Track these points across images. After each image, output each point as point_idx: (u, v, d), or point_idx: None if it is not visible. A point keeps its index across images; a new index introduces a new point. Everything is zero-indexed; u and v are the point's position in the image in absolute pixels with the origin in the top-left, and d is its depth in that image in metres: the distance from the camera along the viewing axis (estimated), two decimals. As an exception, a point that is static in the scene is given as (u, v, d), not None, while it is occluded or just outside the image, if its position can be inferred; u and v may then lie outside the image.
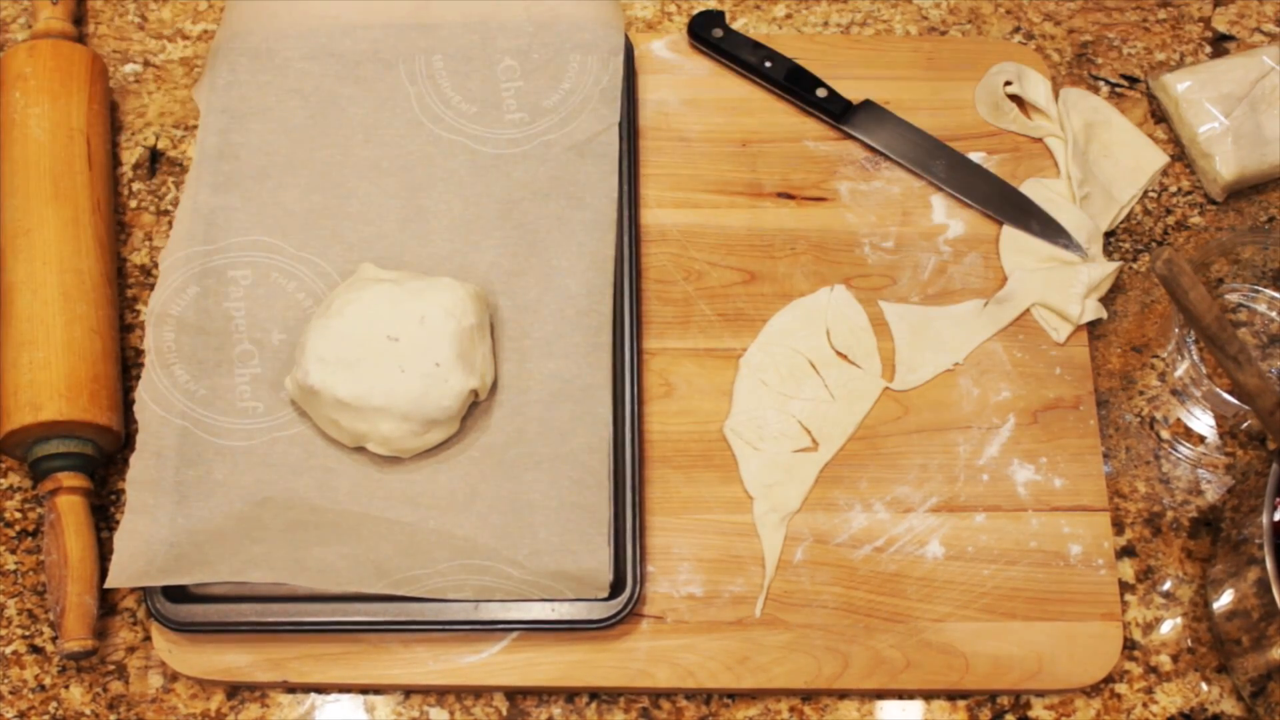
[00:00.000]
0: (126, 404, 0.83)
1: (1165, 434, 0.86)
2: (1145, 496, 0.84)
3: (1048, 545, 0.81)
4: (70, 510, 0.78)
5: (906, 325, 0.85)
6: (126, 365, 0.85)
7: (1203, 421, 0.86)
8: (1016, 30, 0.97)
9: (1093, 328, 0.87)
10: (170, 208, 0.90)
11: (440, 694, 0.78)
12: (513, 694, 0.78)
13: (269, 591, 0.77)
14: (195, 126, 0.92)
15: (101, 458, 0.81)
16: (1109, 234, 0.90)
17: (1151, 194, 0.92)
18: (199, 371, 0.82)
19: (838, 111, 0.92)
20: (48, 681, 0.79)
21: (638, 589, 0.78)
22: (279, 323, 0.84)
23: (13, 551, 0.81)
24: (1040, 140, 0.92)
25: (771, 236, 0.89)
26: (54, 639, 0.79)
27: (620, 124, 0.89)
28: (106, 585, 0.76)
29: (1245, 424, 0.85)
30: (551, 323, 0.84)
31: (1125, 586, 0.81)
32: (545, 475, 0.80)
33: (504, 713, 0.78)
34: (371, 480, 0.80)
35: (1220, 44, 0.97)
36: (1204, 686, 0.79)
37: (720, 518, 0.81)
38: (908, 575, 0.80)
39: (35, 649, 0.79)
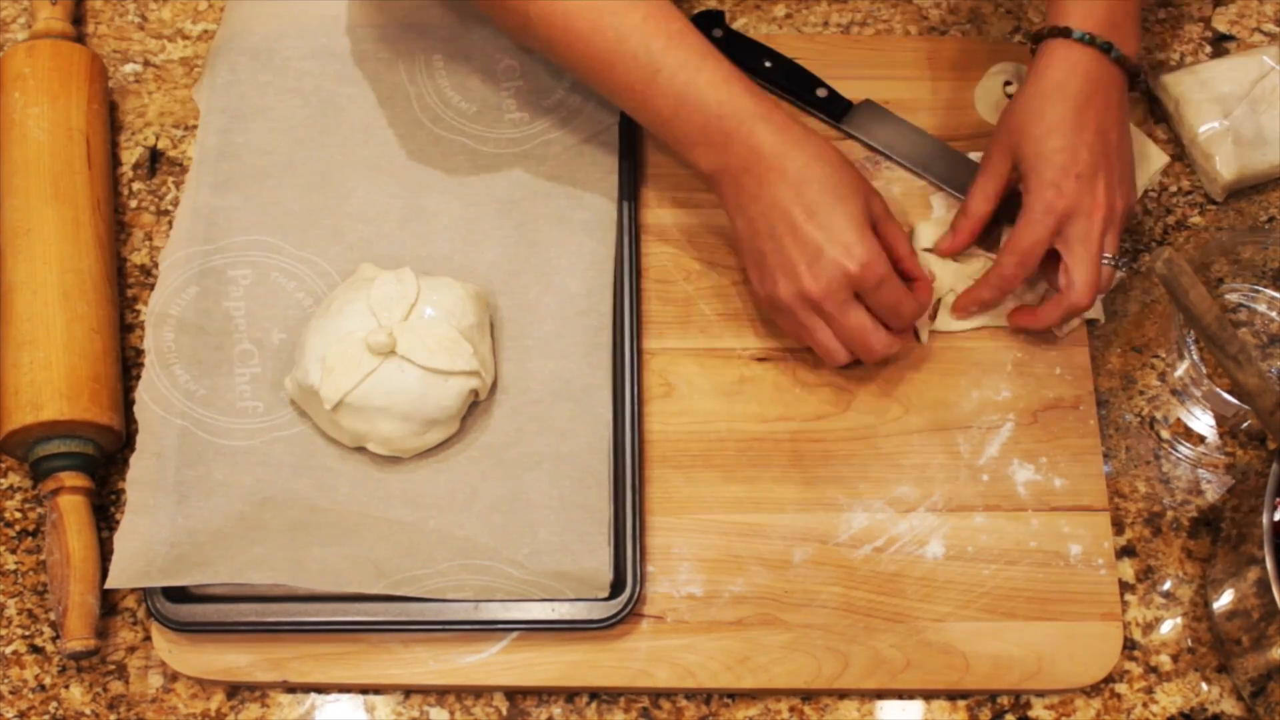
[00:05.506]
0: (127, 403, 0.83)
1: (1165, 434, 0.86)
2: (1145, 496, 0.84)
3: (1048, 545, 0.81)
4: (72, 510, 0.78)
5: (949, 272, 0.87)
6: (127, 365, 0.85)
7: (1203, 421, 0.86)
8: (1016, 30, 0.97)
9: (1092, 327, 0.87)
10: (170, 208, 0.90)
11: (440, 694, 0.78)
12: (513, 694, 0.78)
13: (269, 591, 0.77)
14: (195, 126, 0.92)
15: (102, 457, 0.81)
16: (1109, 234, 0.90)
17: (1151, 194, 0.92)
18: (199, 371, 0.82)
19: (838, 111, 0.92)
20: (48, 681, 0.79)
21: (638, 589, 0.78)
22: (279, 323, 0.84)
23: (13, 551, 0.81)
24: (1040, 140, 0.92)
25: (771, 236, 0.89)
26: (55, 639, 0.79)
27: (620, 124, 0.89)
28: (107, 586, 0.76)
29: (1245, 424, 0.85)
30: (551, 323, 0.84)
31: (1125, 586, 0.81)
32: (545, 475, 0.80)
33: (504, 713, 0.78)
34: (371, 480, 0.80)
35: (1220, 44, 0.97)
36: (1204, 686, 0.79)
37: (720, 518, 0.81)
38: (908, 575, 0.80)
39: (35, 649, 0.79)
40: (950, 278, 0.86)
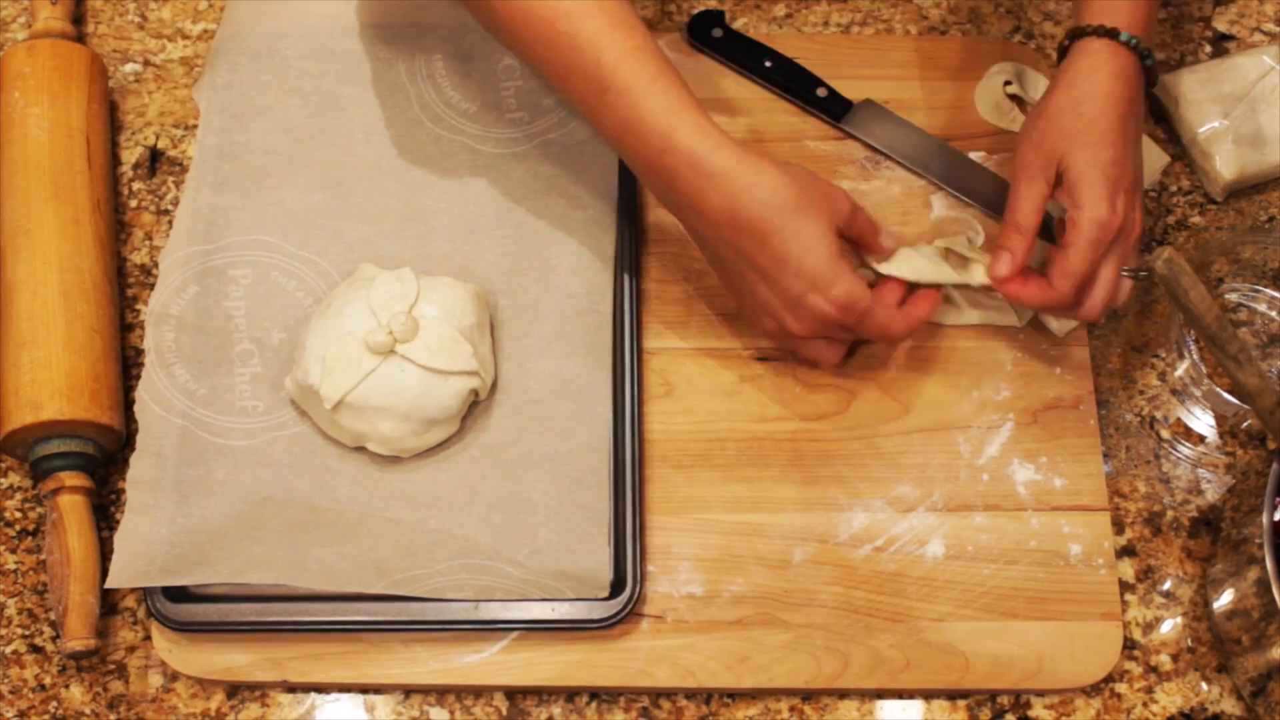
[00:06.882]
0: (127, 403, 0.83)
1: (1165, 434, 0.86)
2: (1145, 496, 0.84)
3: (1048, 545, 0.81)
4: (72, 510, 0.78)
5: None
6: (127, 365, 0.85)
7: (1203, 421, 0.86)
8: (1016, 30, 0.97)
9: (1092, 327, 0.87)
10: (170, 207, 0.90)
11: (440, 694, 0.78)
12: (513, 694, 0.78)
13: (269, 591, 0.77)
14: (195, 126, 0.92)
15: (102, 457, 0.81)
16: (1109, 234, 0.90)
17: (1151, 194, 0.92)
18: (199, 371, 0.82)
19: (838, 111, 0.92)
20: (48, 681, 0.79)
21: (638, 588, 0.78)
22: (279, 322, 0.84)
23: (13, 551, 0.81)
24: (1040, 140, 0.92)
25: (771, 236, 0.89)
26: (55, 638, 0.79)
27: (620, 124, 0.89)
28: (107, 586, 0.76)
29: (1245, 424, 0.85)
30: (551, 322, 0.84)
31: (1125, 586, 0.81)
32: (545, 475, 0.80)
33: (504, 712, 0.78)
34: (371, 480, 0.80)
35: (1220, 44, 0.97)
36: (1204, 686, 0.80)
37: (720, 517, 0.81)
38: (908, 575, 0.80)
39: (35, 648, 0.79)
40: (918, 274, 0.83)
